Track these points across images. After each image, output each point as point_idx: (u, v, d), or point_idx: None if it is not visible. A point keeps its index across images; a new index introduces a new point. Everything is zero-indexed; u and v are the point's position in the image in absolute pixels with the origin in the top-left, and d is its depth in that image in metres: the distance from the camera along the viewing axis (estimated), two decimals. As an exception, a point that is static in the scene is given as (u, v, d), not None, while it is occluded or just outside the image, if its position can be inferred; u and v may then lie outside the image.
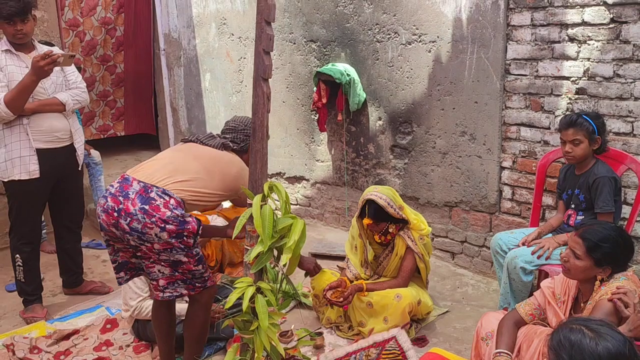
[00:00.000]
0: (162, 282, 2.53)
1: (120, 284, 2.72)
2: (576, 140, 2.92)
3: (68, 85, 3.51)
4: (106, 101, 6.07)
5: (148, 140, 6.60)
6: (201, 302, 2.64)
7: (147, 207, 2.38)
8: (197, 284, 2.56)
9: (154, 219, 2.37)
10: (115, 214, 2.41)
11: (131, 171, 2.57)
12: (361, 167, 4.54)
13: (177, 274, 2.51)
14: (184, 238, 2.43)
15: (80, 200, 3.82)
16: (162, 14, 5.80)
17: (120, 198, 2.43)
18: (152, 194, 2.42)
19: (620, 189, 2.97)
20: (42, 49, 3.43)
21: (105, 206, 2.46)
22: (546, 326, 2.35)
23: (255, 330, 2.23)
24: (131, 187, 2.46)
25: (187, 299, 2.76)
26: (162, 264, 2.48)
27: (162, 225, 2.38)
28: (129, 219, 2.39)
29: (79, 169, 3.67)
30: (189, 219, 2.45)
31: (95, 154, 4.77)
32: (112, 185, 2.52)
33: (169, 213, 2.39)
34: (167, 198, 2.42)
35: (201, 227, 2.49)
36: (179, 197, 2.46)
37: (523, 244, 3.08)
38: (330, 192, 4.83)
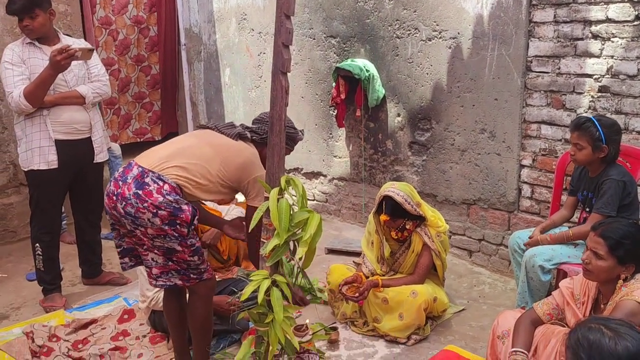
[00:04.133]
0: (155, 271, 2.53)
1: (124, 269, 2.73)
2: (578, 144, 2.83)
3: (90, 77, 3.53)
4: (142, 103, 5.98)
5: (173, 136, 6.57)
6: (199, 294, 2.62)
7: (140, 192, 2.40)
8: (192, 275, 2.55)
9: (146, 204, 2.38)
10: (114, 198, 2.45)
11: (138, 157, 2.58)
12: (379, 163, 4.52)
13: (170, 263, 2.50)
14: (177, 226, 2.42)
15: (100, 192, 3.83)
16: (183, 8, 5.82)
17: (120, 182, 2.46)
18: (147, 179, 2.43)
19: (632, 193, 2.85)
20: (66, 41, 3.42)
21: (108, 190, 2.51)
22: (564, 326, 2.32)
23: (270, 323, 2.24)
24: (131, 172, 2.48)
25: None
26: (156, 251, 2.48)
27: (154, 210, 2.38)
28: (124, 202, 2.41)
29: (94, 161, 3.64)
30: (185, 206, 2.43)
31: (115, 147, 4.82)
32: (118, 171, 2.57)
33: (161, 199, 2.38)
34: (160, 183, 2.42)
35: (197, 216, 2.47)
36: (174, 182, 2.45)
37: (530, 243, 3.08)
38: (348, 188, 4.82)
